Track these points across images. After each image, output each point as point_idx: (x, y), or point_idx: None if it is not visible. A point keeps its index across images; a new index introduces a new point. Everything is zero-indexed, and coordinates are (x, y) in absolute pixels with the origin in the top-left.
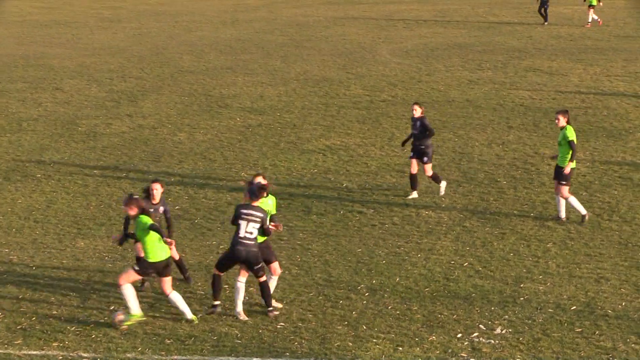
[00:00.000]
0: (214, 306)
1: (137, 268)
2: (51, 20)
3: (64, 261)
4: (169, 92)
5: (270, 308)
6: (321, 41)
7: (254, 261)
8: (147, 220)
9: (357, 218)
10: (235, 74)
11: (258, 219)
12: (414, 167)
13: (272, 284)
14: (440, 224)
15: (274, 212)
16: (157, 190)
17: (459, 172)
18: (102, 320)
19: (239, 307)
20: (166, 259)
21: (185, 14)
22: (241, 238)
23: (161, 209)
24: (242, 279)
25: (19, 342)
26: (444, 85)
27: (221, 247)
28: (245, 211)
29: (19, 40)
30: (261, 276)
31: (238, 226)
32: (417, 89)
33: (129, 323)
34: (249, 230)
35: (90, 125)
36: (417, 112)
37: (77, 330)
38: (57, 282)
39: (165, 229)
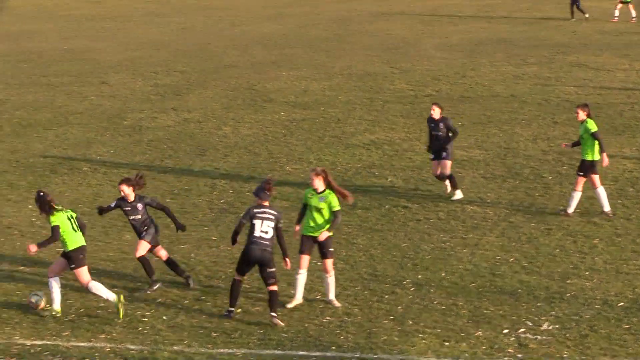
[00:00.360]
0: (229, 312)
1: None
2: (97, 14)
3: (111, 254)
4: (214, 86)
5: (275, 315)
6: (365, 36)
7: (267, 263)
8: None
9: (402, 213)
10: (280, 69)
11: (272, 217)
12: (437, 169)
13: (331, 283)
14: (486, 220)
15: (337, 207)
16: (124, 191)
17: (504, 168)
18: (149, 313)
19: (299, 295)
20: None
21: (230, 8)
22: (256, 237)
23: (139, 205)
24: (303, 270)
25: (67, 333)
26: (488, 80)
27: None
28: (257, 210)
29: (65, 35)
30: (272, 284)
31: (252, 226)
32: (462, 83)
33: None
34: (264, 229)
35: (135, 119)
36: (436, 113)
37: (124, 323)
38: (104, 275)
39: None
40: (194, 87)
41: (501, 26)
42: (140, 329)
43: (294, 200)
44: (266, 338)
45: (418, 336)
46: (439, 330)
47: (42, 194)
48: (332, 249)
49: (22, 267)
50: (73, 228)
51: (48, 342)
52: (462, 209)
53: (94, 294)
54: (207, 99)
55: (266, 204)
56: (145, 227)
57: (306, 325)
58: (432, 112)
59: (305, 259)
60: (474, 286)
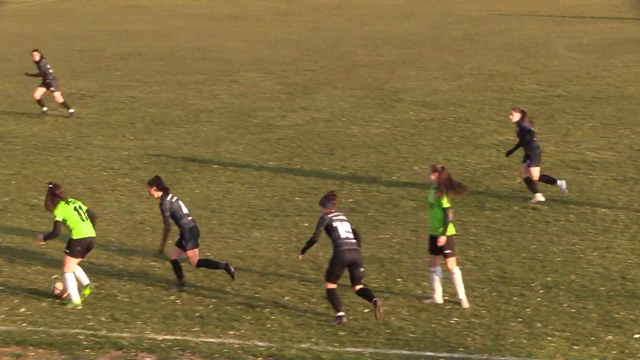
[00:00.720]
0: (339, 317)
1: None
2: (229, 13)
3: (239, 251)
4: (343, 85)
5: (376, 299)
6: (495, 35)
7: (360, 262)
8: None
9: (531, 214)
10: (409, 68)
11: (346, 218)
12: (525, 172)
13: (457, 281)
14: (617, 222)
15: (445, 205)
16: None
17: (636, 170)
18: (277, 310)
19: (438, 295)
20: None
21: (360, 7)
22: (344, 239)
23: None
24: (435, 268)
25: (196, 329)
26: (621, 81)
27: (394, 240)
28: (332, 215)
29: (197, 33)
30: (361, 284)
31: (335, 230)
32: (593, 84)
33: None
34: (347, 229)
35: (265, 117)
36: (515, 117)
37: (253, 320)
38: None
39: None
40: (323, 85)
41: (635, 26)
42: (268, 326)
43: (421, 200)
44: (393, 338)
45: (547, 339)
46: (568, 334)
47: (51, 186)
48: (449, 251)
49: (153, 263)
50: (81, 218)
51: (178, 337)
52: (592, 211)
53: (63, 285)
54: (336, 97)
55: (332, 210)
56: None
57: (433, 325)
58: (511, 117)
59: (434, 258)
60: (604, 290)
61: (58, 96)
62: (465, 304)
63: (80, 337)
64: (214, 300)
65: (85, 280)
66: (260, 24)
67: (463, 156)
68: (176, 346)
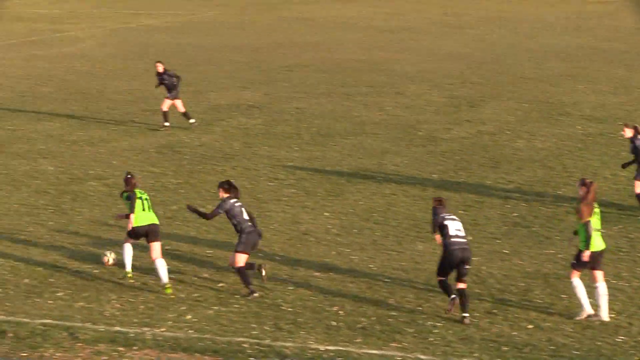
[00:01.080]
0: (452, 299)
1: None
2: (395, 26)
3: (403, 263)
4: (508, 98)
5: (466, 315)
6: None
7: (468, 261)
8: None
9: None
10: (576, 82)
11: (457, 218)
12: (637, 187)
13: (600, 294)
14: None
15: (582, 219)
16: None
17: None
18: (440, 324)
19: (586, 306)
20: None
21: (526, 20)
22: (453, 237)
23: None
24: (597, 284)
25: (358, 340)
26: None
27: (559, 256)
28: (443, 214)
29: (363, 46)
30: (464, 282)
31: (445, 228)
32: None
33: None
34: (457, 227)
35: (430, 129)
36: (628, 133)
37: (415, 333)
38: (396, 284)
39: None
40: (489, 99)
41: None
42: (430, 339)
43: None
44: (557, 354)
45: None
46: None
47: (129, 176)
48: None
49: (317, 273)
50: (143, 208)
51: (340, 348)
52: None
53: (121, 253)
54: (501, 111)
55: (444, 212)
56: None
57: (599, 343)
58: (623, 133)
59: (592, 273)
60: None
61: (179, 105)
62: (603, 317)
63: (244, 345)
64: (377, 311)
65: (165, 279)
66: (426, 37)
67: (630, 171)
68: (339, 357)
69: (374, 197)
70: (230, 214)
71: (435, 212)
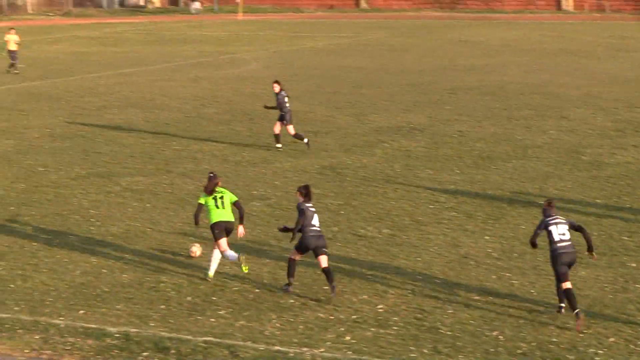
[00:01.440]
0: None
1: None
2: (560, 49)
3: None
4: None
5: (578, 310)
6: None
7: (574, 263)
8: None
9: None
10: None
11: (564, 221)
12: None
13: None
14: None
15: None
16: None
17: None
18: (601, 351)
19: None
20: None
21: None
22: (557, 242)
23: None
24: None
25: None
26: None
27: None
28: (549, 219)
29: (526, 68)
30: (567, 280)
31: (550, 233)
32: None
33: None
34: (560, 232)
35: (594, 154)
36: None
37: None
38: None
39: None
40: None
41: None
42: None
43: None
44: None
45: None
46: None
47: (212, 175)
48: None
49: (477, 297)
50: (216, 205)
51: None
52: None
53: (228, 260)
54: None
55: (553, 214)
56: None
57: None
58: None
59: None
60: None
61: (291, 129)
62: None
63: None
64: (537, 337)
65: (211, 271)
66: (591, 60)
67: None
68: None
69: (535, 221)
70: (303, 215)
71: (544, 214)
